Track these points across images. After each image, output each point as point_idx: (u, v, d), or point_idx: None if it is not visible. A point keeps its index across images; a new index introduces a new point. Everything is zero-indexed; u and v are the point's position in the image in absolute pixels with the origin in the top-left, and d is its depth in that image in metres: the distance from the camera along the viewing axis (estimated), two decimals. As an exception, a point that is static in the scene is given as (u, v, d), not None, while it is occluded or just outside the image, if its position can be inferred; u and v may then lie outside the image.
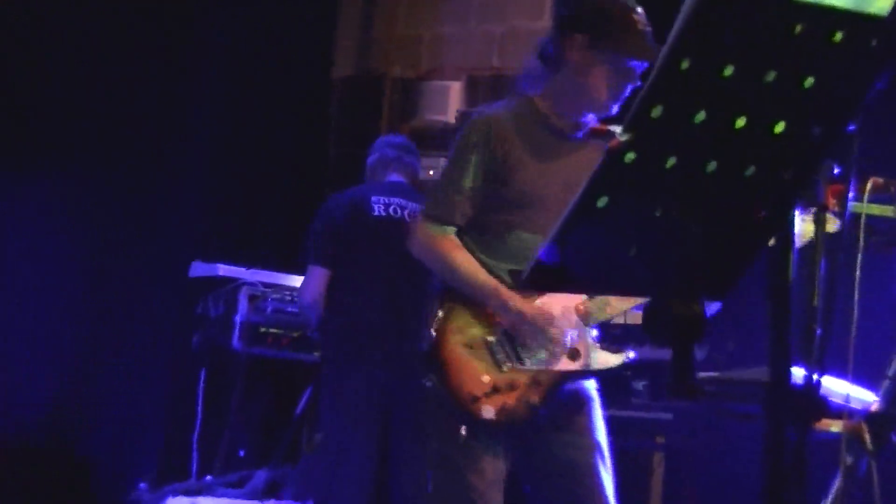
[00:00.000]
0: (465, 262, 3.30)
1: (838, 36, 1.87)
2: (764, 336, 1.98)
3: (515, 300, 3.25)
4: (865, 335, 3.20)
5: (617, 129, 1.78)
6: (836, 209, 3.33)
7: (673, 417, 4.86)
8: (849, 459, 3.25)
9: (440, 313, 3.31)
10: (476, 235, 3.35)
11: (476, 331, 3.29)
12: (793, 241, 2.03)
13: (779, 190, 1.99)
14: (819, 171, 2.16)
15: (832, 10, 1.86)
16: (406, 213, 4.83)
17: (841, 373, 3.21)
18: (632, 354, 3.38)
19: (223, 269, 5.42)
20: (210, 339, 5.38)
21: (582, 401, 3.41)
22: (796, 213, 2.04)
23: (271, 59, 5.85)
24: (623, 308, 3.48)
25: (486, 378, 3.25)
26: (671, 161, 1.89)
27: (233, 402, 5.38)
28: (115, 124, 5.50)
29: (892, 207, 3.32)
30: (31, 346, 5.49)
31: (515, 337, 3.29)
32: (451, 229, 3.35)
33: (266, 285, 5.44)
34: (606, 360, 3.36)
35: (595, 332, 3.40)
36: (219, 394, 5.41)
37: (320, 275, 4.74)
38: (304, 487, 5.07)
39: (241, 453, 5.45)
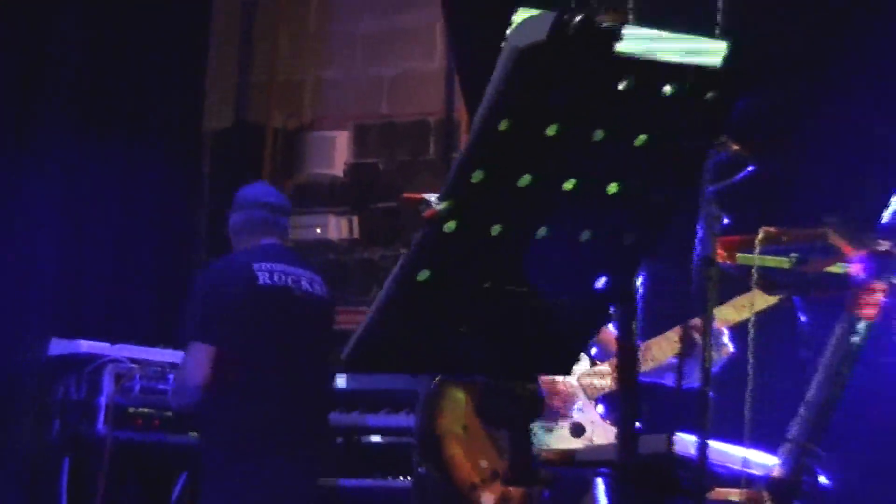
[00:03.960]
0: None
1: (669, 90, 1.92)
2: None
3: None
4: (764, 397, 3.25)
5: (433, 196, 1.79)
6: (728, 261, 3.40)
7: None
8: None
9: (432, 392, 3.32)
10: None
11: (471, 410, 3.30)
12: (637, 310, 2.06)
13: (620, 256, 2.02)
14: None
15: (660, 63, 1.91)
16: (290, 279, 4.79)
17: (738, 438, 3.25)
18: (637, 425, 3.40)
19: (85, 346, 5.35)
20: (73, 425, 5.31)
21: (587, 480, 3.44)
22: (640, 279, 2.08)
23: (131, 108, 5.80)
24: None
25: (483, 463, 3.27)
26: (497, 229, 1.91)
27: (99, 492, 5.30)
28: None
29: (786, 258, 3.37)
30: None
31: None
32: None
33: (134, 361, 5.38)
34: (612, 434, 3.39)
35: (601, 407, 3.45)
36: (84, 484, 5.33)
37: (208, 353, 4.65)
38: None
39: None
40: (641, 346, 3.58)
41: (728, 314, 3.61)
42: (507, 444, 1.96)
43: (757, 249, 3.31)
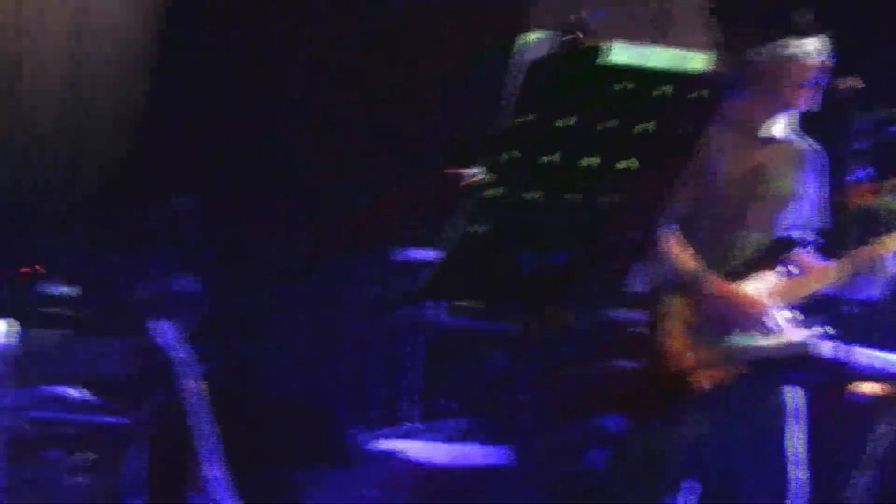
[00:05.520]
0: (680, 254, 3.67)
1: (662, 90, 2.13)
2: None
3: (721, 284, 3.58)
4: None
5: (473, 170, 2.12)
6: (867, 204, 3.47)
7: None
8: (885, 422, 3.41)
9: (663, 300, 3.71)
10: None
11: (687, 314, 3.65)
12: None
13: (642, 215, 2.25)
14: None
15: (653, 70, 2.12)
16: None
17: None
18: (821, 329, 3.66)
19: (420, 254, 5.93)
20: (423, 314, 5.92)
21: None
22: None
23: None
24: (813, 290, 3.74)
25: (692, 355, 3.60)
26: (533, 195, 2.19)
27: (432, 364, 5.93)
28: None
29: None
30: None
31: (715, 317, 3.61)
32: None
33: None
34: (798, 334, 3.65)
35: (788, 314, 3.72)
36: (428, 357, 5.95)
37: None
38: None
39: (449, 405, 5.96)
40: (832, 264, 3.71)
41: (891, 244, 3.66)
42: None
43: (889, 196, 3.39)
